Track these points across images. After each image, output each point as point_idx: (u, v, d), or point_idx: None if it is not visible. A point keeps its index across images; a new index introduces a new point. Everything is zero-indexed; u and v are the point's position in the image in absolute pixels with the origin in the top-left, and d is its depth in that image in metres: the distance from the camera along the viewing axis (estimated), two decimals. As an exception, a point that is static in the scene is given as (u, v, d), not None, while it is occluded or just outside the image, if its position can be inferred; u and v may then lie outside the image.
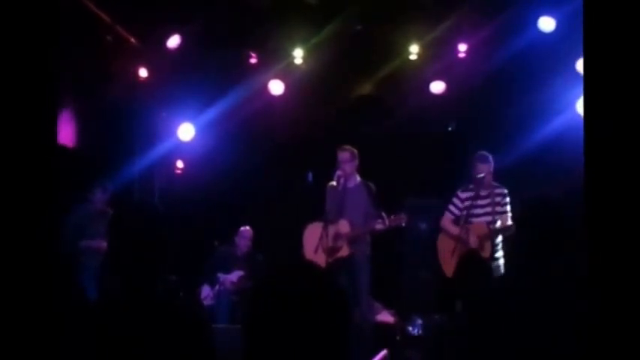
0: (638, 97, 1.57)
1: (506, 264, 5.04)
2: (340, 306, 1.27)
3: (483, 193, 5.09)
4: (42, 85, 1.85)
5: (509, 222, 4.93)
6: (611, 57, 1.61)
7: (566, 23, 5.70)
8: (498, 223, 4.95)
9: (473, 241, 4.97)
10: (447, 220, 5.24)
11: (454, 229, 5.14)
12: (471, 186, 5.16)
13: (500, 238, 5.02)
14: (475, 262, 3.37)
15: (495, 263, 4.97)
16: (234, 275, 6.27)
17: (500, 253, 5.05)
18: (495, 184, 5.13)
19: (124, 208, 2.27)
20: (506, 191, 5.09)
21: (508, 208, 5.04)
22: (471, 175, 5.14)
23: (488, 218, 5.01)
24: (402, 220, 5.03)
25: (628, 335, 1.53)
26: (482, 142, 5.73)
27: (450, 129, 7.15)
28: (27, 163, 1.82)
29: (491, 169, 5.09)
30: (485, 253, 4.91)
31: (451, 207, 5.24)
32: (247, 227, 6.40)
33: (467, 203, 5.13)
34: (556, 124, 5.66)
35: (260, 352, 1.24)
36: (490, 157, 5.12)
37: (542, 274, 2.14)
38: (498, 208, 5.01)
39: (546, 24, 5.96)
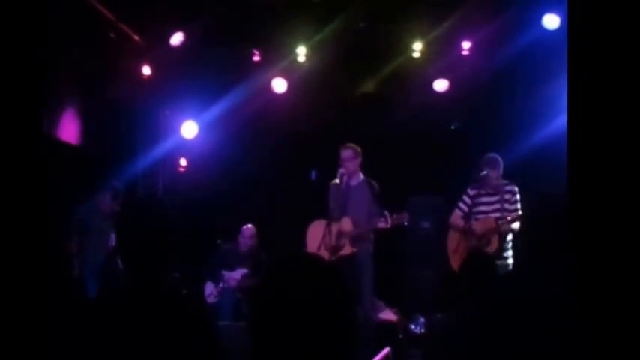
0: (624, 98, 1.58)
1: (514, 264, 5.03)
2: (344, 300, 1.26)
3: (492, 190, 5.12)
4: (30, 81, 1.85)
5: (512, 221, 4.92)
6: (595, 60, 1.61)
7: (570, 21, 5.66)
8: (502, 221, 4.95)
9: (477, 236, 4.97)
10: (456, 217, 5.26)
11: (463, 227, 5.14)
12: (480, 184, 5.17)
13: (510, 237, 5.02)
14: (480, 259, 3.35)
15: (503, 262, 4.96)
16: (238, 273, 6.27)
17: (509, 252, 5.04)
18: (505, 181, 5.12)
19: (131, 203, 2.28)
20: (516, 189, 5.09)
21: (518, 205, 5.04)
22: (479, 176, 5.13)
23: (497, 215, 5.02)
24: (405, 219, 5.04)
25: (626, 336, 1.52)
26: (485, 140, 5.72)
27: (452, 127, 7.13)
28: (18, 160, 1.81)
29: (501, 173, 5.09)
30: (492, 248, 4.90)
31: (460, 204, 5.26)
32: (249, 225, 6.39)
33: (476, 200, 5.14)
34: (560, 122, 5.63)
35: (264, 348, 1.24)
36: (499, 161, 5.10)
37: (548, 273, 2.13)
38: (507, 206, 5.03)
39: (551, 22, 5.93)
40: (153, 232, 1.98)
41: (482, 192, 5.12)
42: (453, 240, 5.25)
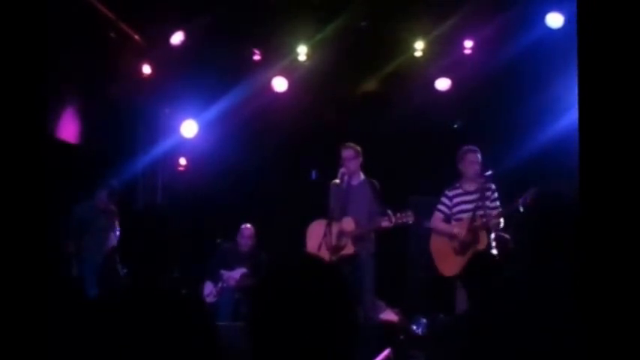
0: (632, 98, 1.55)
1: (506, 263, 5.00)
2: (344, 301, 1.24)
3: (470, 188, 5.09)
4: (30, 81, 1.83)
5: (499, 216, 4.91)
6: (606, 58, 1.59)
7: (574, 19, 5.64)
8: (485, 218, 4.94)
9: (464, 235, 4.92)
10: (437, 220, 5.21)
11: (447, 227, 5.11)
12: (458, 184, 5.17)
13: (493, 236, 4.99)
14: (486, 262, 3.34)
15: None
16: (237, 272, 6.26)
17: (494, 251, 5.02)
18: (482, 179, 5.08)
19: (136, 209, 2.30)
20: (494, 186, 5.08)
21: (498, 203, 5.03)
22: (458, 170, 5.11)
23: (480, 212, 4.99)
24: (409, 217, 5.00)
25: (627, 337, 1.51)
26: (487, 139, 5.70)
27: (455, 126, 7.11)
28: (18, 159, 1.80)
29: (480, 161, 5.06)
30: (482, 245, 4.87)
31: (440, 206, 5.22)
32: (248, 225, 6.37)
33: (456, 200, 5.13)
34: (563, 121, 5.61)
35: (263, 348, 1.22)
36: (479, 151, 5.10)
37: (549, 273, 2.11)
38: (488, 203, 5.01)
39: (554, 20, 5.91)
40: (155, 244, 1.98)
41: (461, 191, 5.11)
42: (439, 244, 5.14)
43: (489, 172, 5.04)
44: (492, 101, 6.53)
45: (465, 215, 5.02)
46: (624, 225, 1.54)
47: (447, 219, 5.16)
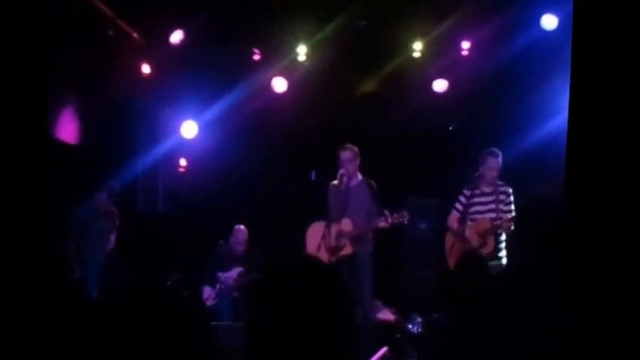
0: (624, 99, 1.57)
1: (508, 263, 5.05)
2: (342, 301, 1.26)
3: (487, 190, 5.15)
4: (32, 81, 1.85)
5: (510, 219, 4.96)
6: (598, 61, 1.61)
7: (569, 21, 5.64)
8: (498, 221, 4.99)
9: (473, 239, 5.01)
10: (453, 219, 5.31)
11: (460, 229, 5.17)
12: (476, 183, 5.21)
13: (504, 237, 5.05)
14: (473, 262, 3.37)
15: (498, 262, 4.98)
16: (234, 272, 6.28)
17: (503, 252, 5.07)
18: (500, 182, 5.16)
19: (133, 221, 2.30)
20: (510, 190, 5.15)
21: (512, 207, 5.07)
22: (478, 171, 5.16)
23: (492, 215, 5.07)
24: (404, 217, 5.04)
25: (625, 336, 1.53)
26: (484, 141, 5.72)
27: (450, 128, 7.12)
28: (20, 160, 1.82)
29: (500, 166, 5.12)
30: (488, 249, 4.94)
31: (457, 205, 5.30)
32: (242, 227, 6.39)
33: (471, 200, 5.17)
34: (558, 122, 5.63)
35: (261, 348, 1.24)
36: (500, 155, 5.15)
37: (543, 273, 2.13)
38: (502, 206, 5.08)
39: (549, 22, 5.93)
40: (155, 246, 2.00)
41: (478, 192, 5.17)
42: (449, 241, 5.30)
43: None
44: (488, 102, 6.55)
45: (478, 216, 5.11)
46: (612, 224, 1.56)
47: (463, 217, 5.22)
